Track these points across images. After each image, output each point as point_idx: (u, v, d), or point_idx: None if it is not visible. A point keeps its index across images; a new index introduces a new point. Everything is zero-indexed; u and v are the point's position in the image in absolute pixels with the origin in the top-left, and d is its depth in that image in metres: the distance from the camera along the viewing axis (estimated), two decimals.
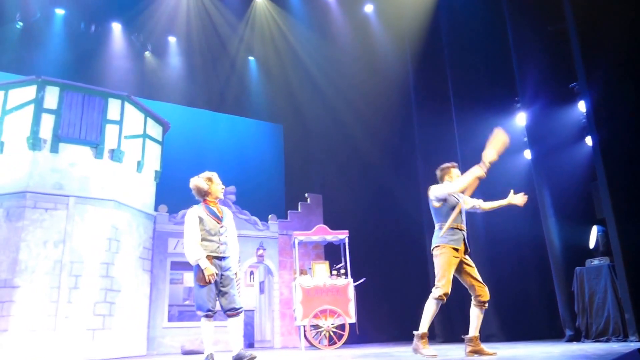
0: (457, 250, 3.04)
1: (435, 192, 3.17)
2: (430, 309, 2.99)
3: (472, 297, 3.20)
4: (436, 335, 7.00)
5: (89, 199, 6.51)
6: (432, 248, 3.15)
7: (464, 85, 6.72)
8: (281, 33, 10.32)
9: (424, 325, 2.99)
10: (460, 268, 3.13)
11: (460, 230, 3.11)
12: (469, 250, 3.18)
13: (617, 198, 3.83)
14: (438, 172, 3.37)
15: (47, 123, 6.54)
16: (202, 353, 6.23)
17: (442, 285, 2.96)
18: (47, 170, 6.40)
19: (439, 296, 2.95)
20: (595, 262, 4.57)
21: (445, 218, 3.10)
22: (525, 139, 5.93)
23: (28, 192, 6.17)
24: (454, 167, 3.33)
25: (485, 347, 3.29)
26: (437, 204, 3.15)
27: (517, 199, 3.26)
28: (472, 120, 6.46)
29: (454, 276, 3.10)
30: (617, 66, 4.09)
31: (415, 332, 2.99)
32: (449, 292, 2.97)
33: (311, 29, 10.03)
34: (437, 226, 3.17)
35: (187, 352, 6.43)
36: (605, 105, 4.08)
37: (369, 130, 9.36)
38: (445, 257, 3.01)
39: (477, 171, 2.97)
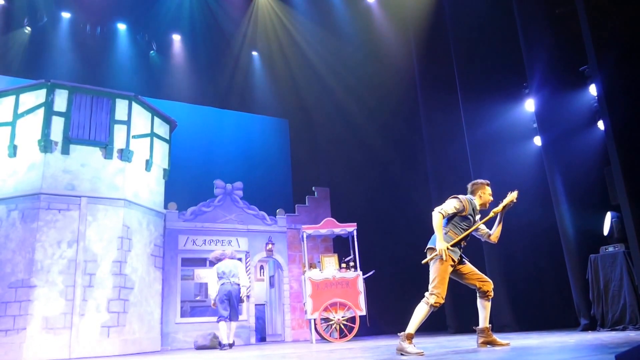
0: (454, 261, 3.07)
1: (447, 207, 3.14)
2: (421, 314, 2.96)
3: (477, 290, 3.21)
4: (448, 326, 6.96)
5: (100, 199, 6.62)
6: (429, 247, 3.14)
7: (470, 72, 6.60)
8: (283, 27, 10.27)
9: (412, 328, 2.94)
10: (458, 274, 3.18)
11: (463, 246, 3.16)
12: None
13: (632, 183, 3.72)
14: (469, 186, 3.34)
15: (58, 125, 6.64)
16: (215, 348, 6.39)
17: (439, 294, 2.95)
18: (59, 172, 6.52)
19: (435, 303, 2.94)
20: (610, 249, 4.47)
21: (454, 227, 3.13)
22: (535, 125, 5.81)
23: (42, 194, 6.30)
24: (488, 184, 3.31)
25: (498, 337, 3.27)
26: (450, 212, 3.14)
27: (506, 199, 3.23)
28: (480, 108, 6.35)
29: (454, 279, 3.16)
30: (628, 47, 3.95)
31: (400, 333, 2.93)
32: (444, 302, 2.98)
33: (313, 22, 9.96)
34: (443, 229, 3.15)
35: (200, 347, 6.54)
36: (617, 88, 3.95)
37: (375, 121, 9.28)
38: (444, 265, 3.01)
39: (440, 243, 2.99)
